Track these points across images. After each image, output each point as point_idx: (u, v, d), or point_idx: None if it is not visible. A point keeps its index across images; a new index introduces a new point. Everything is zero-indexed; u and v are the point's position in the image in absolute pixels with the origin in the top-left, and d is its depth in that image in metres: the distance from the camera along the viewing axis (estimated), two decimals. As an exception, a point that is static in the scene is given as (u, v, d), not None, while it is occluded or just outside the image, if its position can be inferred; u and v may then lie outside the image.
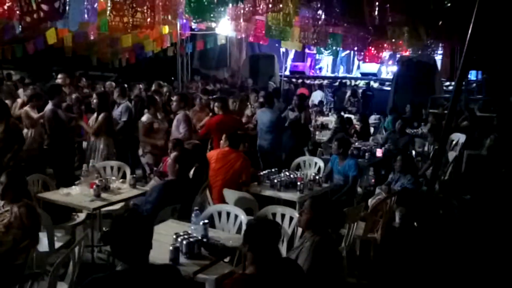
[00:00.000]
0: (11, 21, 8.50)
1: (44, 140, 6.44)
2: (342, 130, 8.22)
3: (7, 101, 6.41)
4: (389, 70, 18.00)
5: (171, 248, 3.09)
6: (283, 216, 4.10)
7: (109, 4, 6.12)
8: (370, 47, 11.28)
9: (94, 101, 6.26)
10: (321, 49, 11.64)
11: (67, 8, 5.19)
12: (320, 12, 8.25)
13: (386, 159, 7.22)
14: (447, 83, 14.40)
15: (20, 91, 9.19)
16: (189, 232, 3.43)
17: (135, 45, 13.30)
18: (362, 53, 11.73)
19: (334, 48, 10.83)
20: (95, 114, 6.21)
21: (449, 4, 7.97)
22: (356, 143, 7.51)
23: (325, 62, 19.90)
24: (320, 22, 8.49)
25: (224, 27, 10.22)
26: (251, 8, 6.86)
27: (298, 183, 5.04)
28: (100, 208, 4.41)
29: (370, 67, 17.25)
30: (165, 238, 3.31)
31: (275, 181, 5.12)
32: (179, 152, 4.57)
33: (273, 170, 5.57)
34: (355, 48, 11.17)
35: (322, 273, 2.88)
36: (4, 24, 9.62)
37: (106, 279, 2.23)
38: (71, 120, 6.52)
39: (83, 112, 7.49)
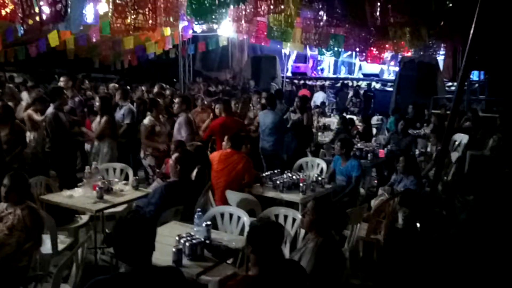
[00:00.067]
0: (14, 24, 8.53)
1: (46, 142, 6.46)
2: (344, 131, 8.21)
3: (9, 103, 6.44)
4: (391, 71, 17.97)
5: (174, 249, 3.09)
6: (286, 217, 4.09)
7: (111, 6, 6.14)
8: (372, 48, 11.25)
9: (97, 104, 6.29)
10: (323, 50, 11.62)
11: (68, 10, 5.22)
12: (321, 13, 8.24)
13: (389, 160, 7.20)
14: (449, 84, 14.36)
15: (24, 93, 9.21)
16: (192, 233, 3.43)
17: (137, 47, 13.31)
18: (364, 54, 11.70)
19: (336, 49, 10.81)
20: (98, 117, 6.23)
21: (450, 5, 7.96)
22: (359, 144, 7.48)
23: (327, 63, 19.90)
24: (321, 23, 8.48)
25: (226, 29, 10.25)
26: (252, 10, 6.86)
27: (301, 184, 5.03)
28: (103, 210, 4.42)
29: (372, 68, 17.20)
30: (168, 240, 3.31)
31: (278, 182, 5.11)
32: (180, 153, 4.57)
33: (275, 171, 5.57)
34: (357, 49, 11.15)
35: (325, 275, 2.87)
36: (7, 27, 9.65)
37: (109, 281, 2.24)
38: (73, 123, 6.54)
39: (86, 115, 7.51)
